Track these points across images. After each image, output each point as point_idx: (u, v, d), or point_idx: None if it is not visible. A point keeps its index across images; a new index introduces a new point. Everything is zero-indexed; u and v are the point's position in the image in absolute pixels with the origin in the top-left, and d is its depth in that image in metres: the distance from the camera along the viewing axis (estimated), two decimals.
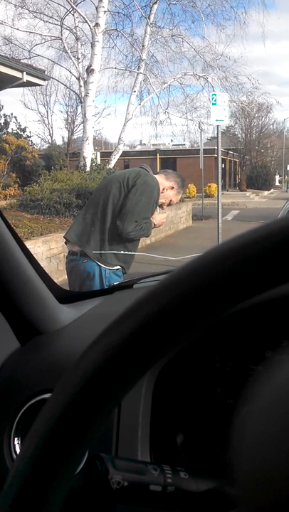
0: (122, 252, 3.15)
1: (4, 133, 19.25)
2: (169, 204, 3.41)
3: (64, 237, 3.31)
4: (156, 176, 3.27)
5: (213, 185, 25.19)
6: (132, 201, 3.06)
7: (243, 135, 45.00)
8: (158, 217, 3.35)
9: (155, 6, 13.78)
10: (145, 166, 3.32)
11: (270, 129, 46.60)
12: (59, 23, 13.96)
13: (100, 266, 3.10)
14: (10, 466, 0.90)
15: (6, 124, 20.21)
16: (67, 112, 29.79)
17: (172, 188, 3.30)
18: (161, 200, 3.29)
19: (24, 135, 20.56)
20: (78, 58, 14.24)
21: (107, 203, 3.11)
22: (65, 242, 3.32)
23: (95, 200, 3.24)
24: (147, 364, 0.36)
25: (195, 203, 18.54)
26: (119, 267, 3.19)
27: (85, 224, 3.18)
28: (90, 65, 12.40)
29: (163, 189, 3.24)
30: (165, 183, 3.27)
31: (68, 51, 14.24)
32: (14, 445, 0.90)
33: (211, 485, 0.55)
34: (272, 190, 41.13)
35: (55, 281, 1.18)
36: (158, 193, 3.19)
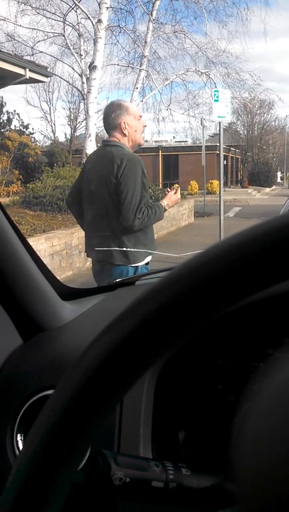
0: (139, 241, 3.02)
1: (7, 130, 19.28)
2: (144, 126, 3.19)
3: (87, 256, 3.22)
4: (117, 135, 3.05)
5: (215, 182, 25.20)
6: (123, 193, 2.91)
7: (245, 132, 44.93)
8: (169, 198, 3.19)
9: (157, 2, 13.75)
10: (111, 142, 3.08)
11: (272, 125, 46.53)
12: (62, 19, 13.94)
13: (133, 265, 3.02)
14: (13, 462, 0.90)
15: (9, 120, 20.24)
16: (69, 109, 29.80)
17: (129, 116, 3.05)
18: (140, 128, 3.11)
19: (27, 132, 20.61)
20: (81, 55, 14.22)
21: (105, 203, 2.99)
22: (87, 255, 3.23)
23: (92, 206, 3.08)
24: (149, 361, 0.36)
25: (197, 200, 18.53)
26: (149, 259, 3.10)
27: (97, 234, 3.07)
28: (93, 62, 12.38)
29: (124, 126, 3.02)
30: (126, 127, 3.04)
31: (71, 48, 14.22)
32: (17, 441, 0.90)
33: (212, 481, 0.55)
34: (273, 187, 41.07)
35: (58, 277, 1.18)
36: (142, 169, 2.99)
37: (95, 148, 13.68)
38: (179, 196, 3.29)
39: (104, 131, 3.22)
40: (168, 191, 3.28)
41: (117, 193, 2.94)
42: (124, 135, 3.05)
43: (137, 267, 3.04)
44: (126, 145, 3.06)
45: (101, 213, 3.04)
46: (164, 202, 3.15)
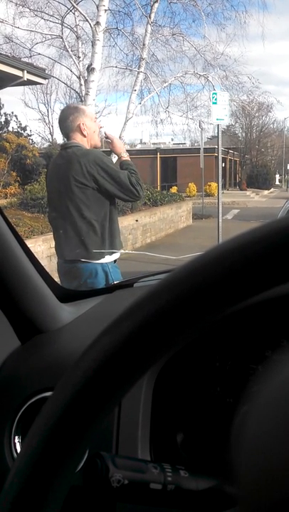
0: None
1: (5, 131, 19.27)
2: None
3: (62, 259, 3.20)
4: (79, 141, 3.12)
5: (214, 184, 25.19)
6: (108, 180, 3.00)
7: (244, 134, 45.00)
8: (117, 146, 3.28)
9: (156, 5, 13.74)
10: (71, 143, 3.13)
11: (270, 128, 46.59)
12: (60, 21, 13.92)
13: (101, 263, 3.06)
14: (11, 464, 0.90)
15: (7, 122, 20.23)
16: None
17: (86, 118, 3.13)
18: (97, 130, 3.21)
19: (25, 134, 20.58)
20: (79, 57, 14.19)
21: (78, 201, 3.02)
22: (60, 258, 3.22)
23: (65, 212, 3.09)
24: (147, 363, 0.36)
25: (195, 202, 18.53)
26: (117, 256, 3.17)
27: (72, 236, 3.08)
28: (91, 64, 12.37)
29: (83, 127, 3.10)
30: (84, 126, 3.11)
31: (69, 50, 14.19)
32: (15, 444, 0.90)
33: (210, 483, 0.55)
34: (272, 190, 41.09)
35: (56, 280, 1.18)
36: (105, 155, 3.11)
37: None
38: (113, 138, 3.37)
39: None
40: (108, 138, 3.30)
41: (98, 186, 3.00)
42: (84, 136, 3.12)
43: (107, 265, 3.08)
44: (85, 146, 3.12)
45: (76, 212, 3.05)
46: (123, 155, 3.25)
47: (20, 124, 21.21)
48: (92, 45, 12.48)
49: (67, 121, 3.11)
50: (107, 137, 3.30)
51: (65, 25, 14.09)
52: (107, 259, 3.09)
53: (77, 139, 3.11)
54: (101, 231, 3.06)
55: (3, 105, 20.07)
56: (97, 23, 12.19)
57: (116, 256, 3.18)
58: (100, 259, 3.06)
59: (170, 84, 15.14)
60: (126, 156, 3.25)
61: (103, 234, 3.07)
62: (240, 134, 45.59)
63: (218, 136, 10.11)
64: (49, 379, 0.90)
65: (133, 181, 3.05)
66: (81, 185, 2.99)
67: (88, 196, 3.02)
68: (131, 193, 3.06)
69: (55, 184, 3.19)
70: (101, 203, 3.07)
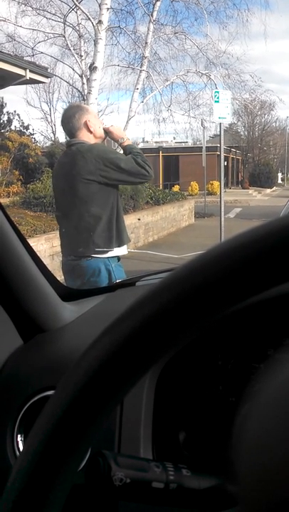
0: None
1: (7, 130, 19.30)
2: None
3: (66, 257, 3.21)
4: (84, 135, 3.14)
5: (216, 183, 25.19)
6: (115, 169, 3.03)
7: (246, 133, 44.94)
8: (115, 132, 3.27)
9: (158, 3, 13.72)
10: (75, 140, 3.15)
11: (272, 126, 46.48)
12: (62, 20, 13.92)
13: (104, 261, 3.08)
14: (13, 463, 0.90)
15: (9, 121, 20.28)
16: None
17: (90, 115, 3.19)
18: (101, 124, 3.23)
19: (27, 132, 20.64)
20: (81, 56, 14.19)
21: (86, 197, 3.04)
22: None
23: (72, 209, 3.11)
24: (149, 362, 0.36)
25: (197, 201, 18.53)
26: (124, 251, 3.20)
27: (80, 232, 3.10)
28: (93, 63, 12.36)
29: (89, 124, 3.13)
30: (87, 124, 3.13)
31: (71, 48, 14.18)
32: (17, 442, 0.91)
33: (212, 482, 0.55)
34: (274, 188, 41.01)
35: (58, 278, 1.18)
36: (105, 147, 3.16)
37: None
38: (113, 126, 3.37)
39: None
40: (108, 129, 3.28)
41: (107, 178, 3.03)
42: (90, 132, 3.14)
43: (110, 264, 3.09)
44: (90, 142, 3.15)
45: (84, 208, 3.06)
46: (121, 140, 3.25)
47: (23, 122, 21.29)
48: (95, 44, 12.46)
49: (73, 120, 3.14)
50: (105, 130, 3.29)
51: (68, 23, 14.09)
52: (116, 252, 3.13)
53: (84, 136, 3.13)
54: (108, 225, 3.09)
55: (5, 104, 20.12)
56: (100, 22, 12.18)
57: (124, 250, 3.21)
58: (107, 252, 3.09)
59: (172, 82, 15.13)
60: (125, 141, 3.26)
61: (110, 228, 3.09)
62: (242, 133, 45.53)
63: (220, 135, 10.11)
64: (51, 378, 0.90)
65: (139, 162, 3.09)
66: (87, 181, 3.01)
67: (95, 191, 3.04)
68: (140, 174, 3.11)
69: (61, 182, 3.22)
70: (107, 197, 3.09)
